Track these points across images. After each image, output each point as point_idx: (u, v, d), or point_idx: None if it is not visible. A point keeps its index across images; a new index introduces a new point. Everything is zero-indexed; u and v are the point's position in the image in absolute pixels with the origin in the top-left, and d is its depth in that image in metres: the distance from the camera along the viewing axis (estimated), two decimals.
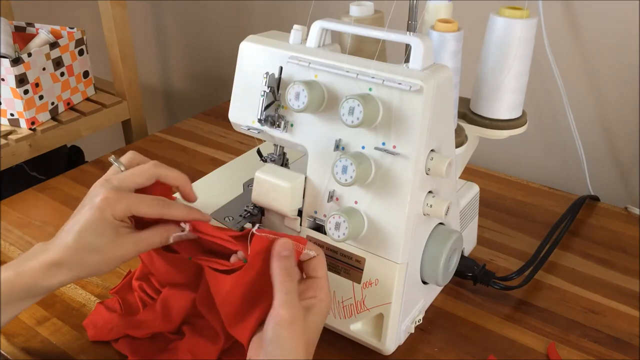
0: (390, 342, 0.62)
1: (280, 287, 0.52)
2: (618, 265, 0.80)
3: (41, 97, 1.08)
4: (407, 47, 0.58)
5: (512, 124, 0.73)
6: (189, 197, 0.63)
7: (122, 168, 0.60)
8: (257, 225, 0.56)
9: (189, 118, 1.23)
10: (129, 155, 0.62)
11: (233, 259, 0.58)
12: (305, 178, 0.64)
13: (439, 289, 0.74)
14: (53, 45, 1.08)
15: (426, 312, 0.70)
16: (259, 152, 0.72)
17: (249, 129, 0.67)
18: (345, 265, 0.63)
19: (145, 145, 1.11)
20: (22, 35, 1.16)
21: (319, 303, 0.54)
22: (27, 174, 1.21)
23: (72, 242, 0.54)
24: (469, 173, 0.96)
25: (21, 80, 1.02)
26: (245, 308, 0.56)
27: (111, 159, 0.61)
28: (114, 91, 1.24)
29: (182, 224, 0.59)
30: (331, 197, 0.62)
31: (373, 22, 0.69)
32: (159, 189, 0.61)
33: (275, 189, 0.63)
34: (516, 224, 0.89)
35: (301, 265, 0.57)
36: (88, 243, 0.55)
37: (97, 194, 0.56)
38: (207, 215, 0.61)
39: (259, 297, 0.55)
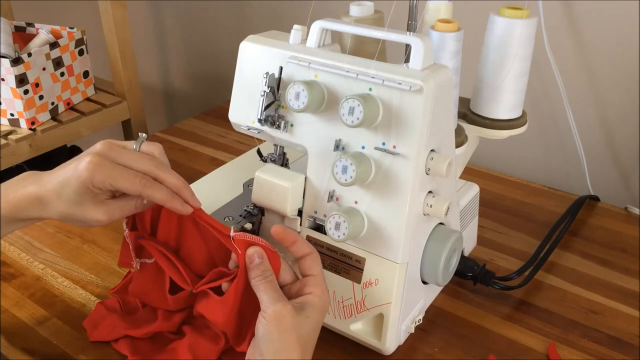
0: (390, 342, 0.62)
1: (258, 290, 0.54)
2: (618, 265, 0.80)
3: (41, 97, 1.08)
4: (407, 47, 0.58)
5: (512, 124, 0.73)
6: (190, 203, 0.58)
7: (138, 148, 0.60)
8: (232, 227, 0.56)
9: (189, 118, 1.23)
10: (151, 148, 0.60)
11: (231, 264, 0.59)
12: (305, 178, 0.64)
13: (439, 289, 0.74)
14: (53, 45, 1.08)
15: (426, 312, 0.70)
16: (259, 152, 0.72)
17: (249, 129, 0.67)
18: (345, 265, 0.63)
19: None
20: (22, 35, 1.16)
21: (313, 299, 0.54)
22: None
23: (55, 186, 0.56)
24: (469, 173, 0.96)
25: (21, 80, 1.02)
26: (247, 321, 0.57)
27: (141, 134, 0.61)
28: (114, 91, 1.24)
29: None
30: (331, 197, 0.62)
31: (373, 22, 0.69)
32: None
33: (275, 189, 0.63)
34: (516, 224, 0.89)
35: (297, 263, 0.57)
36: (66, 195, 0.55)
37: (88, 154, 0.56)
38: (195, 201, 0.58)
39: (257, 308, 0.55)
